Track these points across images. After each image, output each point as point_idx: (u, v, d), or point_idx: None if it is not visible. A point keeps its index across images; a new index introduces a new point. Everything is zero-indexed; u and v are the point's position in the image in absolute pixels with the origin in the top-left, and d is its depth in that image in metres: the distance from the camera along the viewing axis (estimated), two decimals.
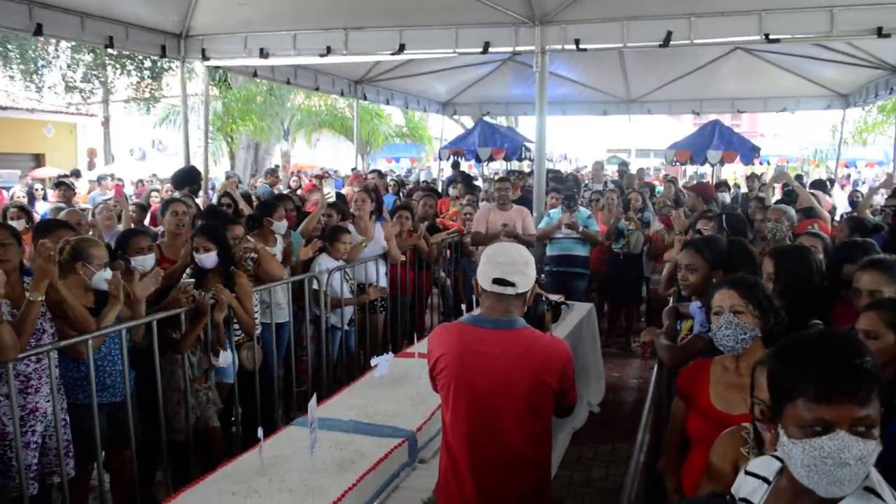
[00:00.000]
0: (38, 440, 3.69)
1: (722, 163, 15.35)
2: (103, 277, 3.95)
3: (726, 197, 9.94)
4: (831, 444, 1.47)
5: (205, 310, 4.34)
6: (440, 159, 17.67)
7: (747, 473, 1.81)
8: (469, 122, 24.16)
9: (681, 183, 15.09)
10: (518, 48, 8.36)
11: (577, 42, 7.85)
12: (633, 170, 16.44)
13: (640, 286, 8.59)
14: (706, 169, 17.77)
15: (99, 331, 3.77)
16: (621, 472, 5.20)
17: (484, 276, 2.64)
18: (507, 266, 2.61)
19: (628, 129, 23.74)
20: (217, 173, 16.26)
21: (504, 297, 2.63)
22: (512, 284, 2.60)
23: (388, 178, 13.80)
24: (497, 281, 2.60)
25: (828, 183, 12.85)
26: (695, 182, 14.47)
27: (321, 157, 28.95)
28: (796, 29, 7.46)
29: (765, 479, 1.75)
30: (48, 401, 3.71)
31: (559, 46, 7.98)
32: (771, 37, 7.30)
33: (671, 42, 7.56)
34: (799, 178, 12.43)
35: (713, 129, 15.00)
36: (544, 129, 8.41)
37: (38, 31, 7.45)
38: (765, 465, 1.79)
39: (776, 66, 12.40)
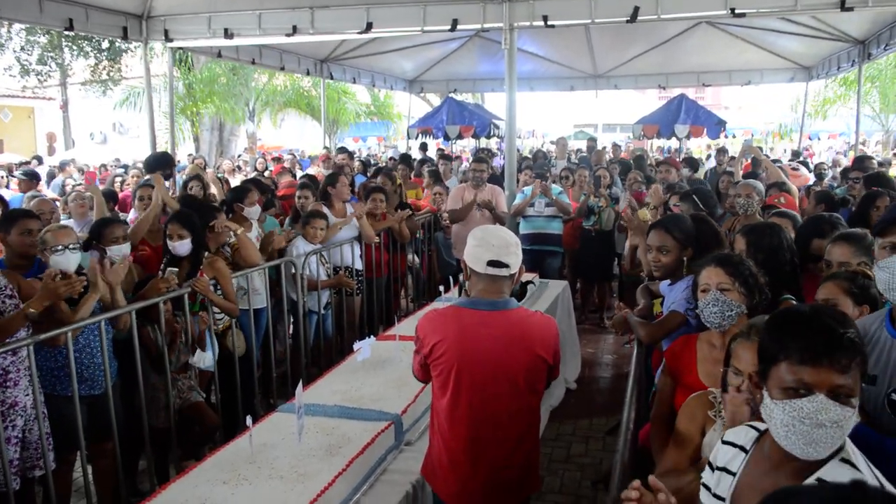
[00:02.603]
0: (19, 434, 3.65)
1: (688, 137, 15.53)
2: (67, 259, 3.89)
3: (685, 172, 10.01)
4: (810, 406, 1.56)
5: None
6: (409, 138, 17.61)
7: (724, 443, 1.87)
8: (436, 100, 24.09)
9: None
10: (486, 25, 8.31)
11: (545, 18, 7.84)
12: (600, 145, 16.53)
13: (612, 262, 8.66)
14: (673, 143, 17.97)
15: (75, 321, 3.71)
16: (600, 447, 5.32)
17: (477, 259, 2.66)
18: (502, 248, 2.65)
19: (595, 104, 23.83)
20: (181, 156, 15.99)
21: (498, 278, 2.67)
22: (506, 266, 2.64)
23: (356, 159, 13.71)
24: (492, 263, 2.63)
25: (804, 157, 13.08)
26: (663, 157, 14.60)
27: (287, 137, 28.65)
28: (762, 3, 7.53)
29: (742, 448, 1.82)
30: (27, 394, 3.67)
31: (527, 23, 7.97)
32: (737, 11, 7.36)
33: (638, 17, 7.59)
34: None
35: (679, 104, 15.16)
36: (514, 106, 8.40)
37: None
38: (742, 434, 1.86)
39: (740, 39, 12.53)
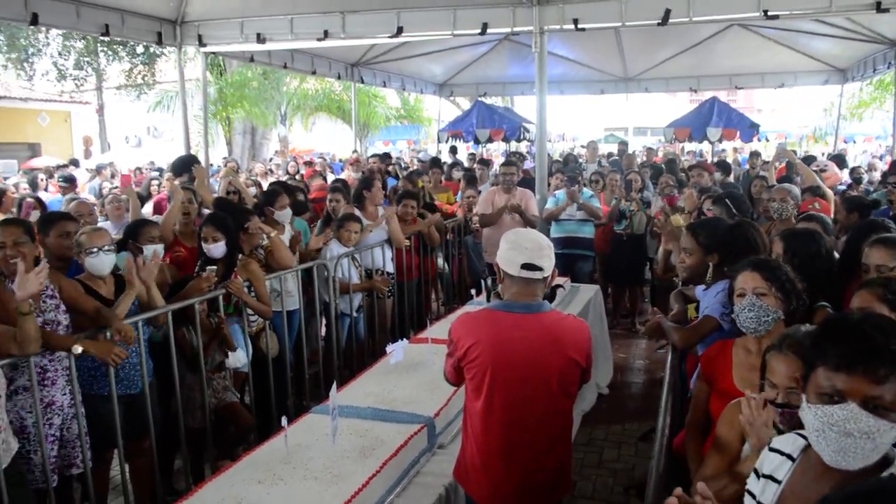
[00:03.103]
0: (56, 433, 3.71)
1: (721, 140, 15.38)
2: (101, 262, 3.96)
3: (717, 175, 9.90)
4: (840, 413, 1.53)
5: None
6: (439, 141, 17.65)
7: (771, 450, 1.84)
8: (465, 103, 24.11)
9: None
10: (516, 28, 8.31)
11: (575, 21, 7.81)
12: (630, 148, 16.41)
13: (644, 267, 8.60)
14: (705, 146, 17.81)
15: (114, 320, 3.75)
16: (632, 453, 5.28)
17: (510, 262, 2.67)
18: (535, 251, 2.66)
19: (625, 107, 23.71)
20: (213, 159, 16.19)
21: (531, 281, 2.67)
22: (540, 269, 2.65)
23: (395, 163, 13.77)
24: (526, 266, 2.64)
25: (843, 157, 12.89)
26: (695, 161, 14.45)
27: (318, 140, 28.82)
28: (795, 5, 7.44)
29: (789, 456, 1.79)
30: (64, 394, 3.73)
31: (557, 26, 7.95)
32: (770, 13, 7.28)
33: (670, 20, 7.53)
34: (811, 158, 12.43)
35: (711, 107, 15.00)
36: (544, 110, 8.37)
37: (34, 20, 7.40)
38: (789, 442, 1.82)
39: (773, 41, 12.38)
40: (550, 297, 4.92)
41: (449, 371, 2.87)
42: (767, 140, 22.39)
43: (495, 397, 2.68)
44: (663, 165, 11.79)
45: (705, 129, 14.64)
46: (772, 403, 2.24)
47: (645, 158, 14.11)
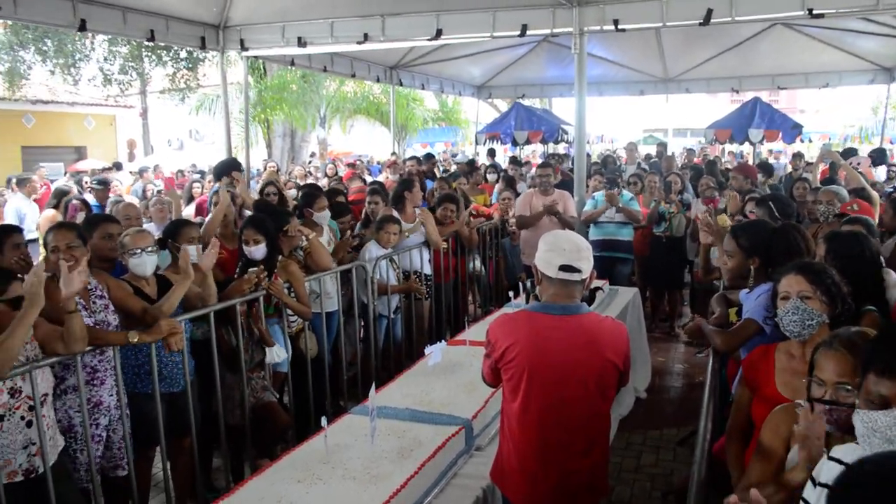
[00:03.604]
0: (102, 433, 3.78)
1: (762, 141, 15.13)
2: (144, 263, 4.05)
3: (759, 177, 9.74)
4: (884, 420, 1.52)
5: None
6: (477, 143, 17.66)
7: (830, 458, 1.81)
8: (503, 105, 24.07)
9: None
10: (556, 30, 8.28)
11: (615, 22, 7.78)
12: (670, 150, 16.23)
13: (683, 270, 8.51)
14: (745, 148, 17.53)
15: (162, 317, 3.81)
16: (671, 458, 5.22)
17: (548, 264, 2.67)
18: (573, 253, 2.66)
19: (665, 108, 23.46)
20: (253, 161, 16.40)
21: (570, 283, 2.67)
22: (578, 271, 2.65)
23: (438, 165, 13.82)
24: (564, 268, 2.64)
25: (883, 153, 12.62)
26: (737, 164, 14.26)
27: (356, 143, 29.02)
28: (841, 3, 7.31)
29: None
30: (111, 394, 3.81)
31: (597, 27, 7.91)
32: (815, 12, 7.16)
33: (712, 19, 7.44)
34: (852, 151, 12.14)
35: (754, 107, 14.76)
36: (584, 111, 8.34)
37: (83, 26, 7.59)
38: (849, 451, 1.78)
39: (817, 40, 12.17)
40: (589, 299, 4.90)
41: (486, 372, 2.88)
42: (811, 141, 21.96)
43: (532, 398, 2.68)
44: (703, 167, 11.66)
45: (747, 130, 14.42)
46: (818, 401, 2.21)
47: (686, 160, 13.95)
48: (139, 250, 4.02)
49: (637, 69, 15.01)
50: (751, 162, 15.53)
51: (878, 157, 11.83)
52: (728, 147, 19.24)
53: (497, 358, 2.73)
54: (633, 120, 26.94)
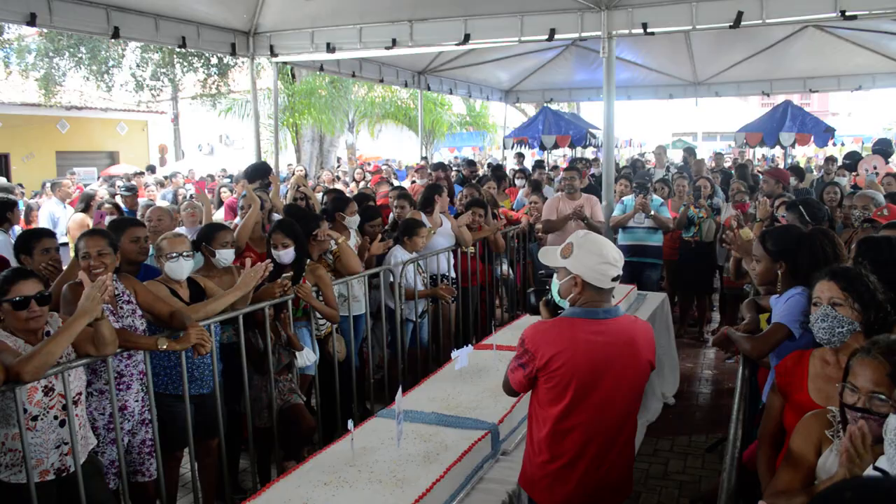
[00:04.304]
0: (125, 438, 3.80)
1: (794, 145, 14.95)
2: (181, 266, 4.10)
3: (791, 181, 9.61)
4: None
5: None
6: (504, 148, 17.65)
7: (875, 469, 1.78)
8: (530, 109, 24.04)
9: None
10: (584, 34, 8.25)
11: (644, 26, 7.73)
12: (699, 154, 16.04)
13: (713, 275, 8.42)
14: (776, 151, 17.30)
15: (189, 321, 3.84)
16: (699, 465, 5.17)
17: (603, 276, 2.67)
18: (619, 261, 2.73)
19: (694, 112, 23.23)
20: (282, 166, 16.54)
21: (609, 289, 2.73)
22: (618, 278, 2.74)
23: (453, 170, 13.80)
24: (615, 278, 2.71)
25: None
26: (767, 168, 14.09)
27: (384, 147, 29.15)
28: (874, 4, 7.18)
29: None
30: (136, 400, 3.84)
31: (626, 31, 7.87)
32: (847, 13, 7.05)
33: (742, 22, 7.37)
34: (855, 154, 11.99)
35: (785, 111, 14.62)
36: (612, 116, 8.28)
37: (116, 34, 7.72)
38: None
39: (850, 42, 12.01)
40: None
41: (519, 381, 2.78)
42: (843, 144, 21.64)
43: (576, 404, 2.67)
44: (732, 171, 11.53)
45: (778, 134, 14.26)
46: (850, 407, 2.17)
47: (714, 164, 13.80)
48: (176, 254, 4.07)
49: (666, 73, 14.93)
50: (781, 166, 15.37)
51: (884, 148, 11.66)
52: (759, 151, 19.03)
53: (539, 367, 2.68)
54: (661, 124, 26.71)
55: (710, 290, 8.60)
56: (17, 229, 7.01)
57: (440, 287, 6.17)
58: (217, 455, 4.26)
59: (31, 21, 6.88)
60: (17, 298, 3.13)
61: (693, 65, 14.25)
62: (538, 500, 2.85)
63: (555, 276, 2.85)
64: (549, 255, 2.85)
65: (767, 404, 2.96)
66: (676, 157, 18.44)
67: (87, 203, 8.22)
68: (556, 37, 8.33)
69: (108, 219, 6.48)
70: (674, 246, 8.11)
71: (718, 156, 15.37)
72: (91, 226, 6.87)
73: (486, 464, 3.29)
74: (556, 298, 2.86)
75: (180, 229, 6.42)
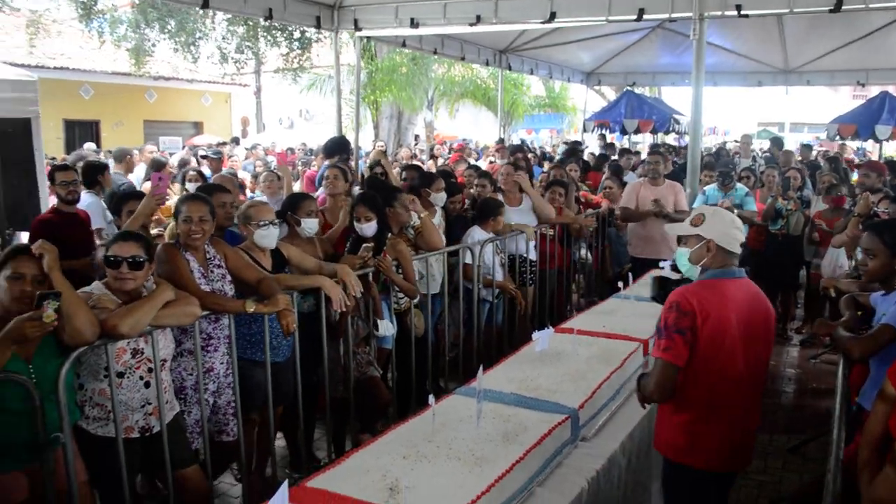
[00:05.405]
0: (210, 399, 3.89)
1: (889, 139, 14.26)
2: (271, 234, 4.14)
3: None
4: None
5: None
6: (585, 131, 17.38)
7: None
8: (610, 93, 23.58)
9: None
10: (674, 14, 7.98)
11: (738, 7, 7.39)
12: (787, 145, 15.47)
13: (799, 270, 8.10)
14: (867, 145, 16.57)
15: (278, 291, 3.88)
16: (780, 466, 5.01)
17: (733, 240, 2.96)
18: (745, 230, 3.14)
19: (782, 101, 22.42)
20: (363, 142, 16.67)
21: (737, 254, 3.01)
22: (744, 245, 3.08)
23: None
24: (742, 244, 3.03)
25: None
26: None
27: (462, 126, 29.10)
28: None
29: None
30: (222, 362, 3.92)
31: (719, 12, 7.56)
32: None
33: (843, 6, 6.99)
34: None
35: (882, 102, 13.93)
36: (700, 101, 7.96)
37: (206, 3, 7.81)
38: None
39: None
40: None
41: (679, 353, 2.81)
42: None
43: (736, 359, 2.87)
44: (822, 163, 11.08)
45: (873, 127, 13.61)
46: None
47: (801, 157, 13.29)
48: (266, 222, 4.12)
49: (756, 59, 14.36)
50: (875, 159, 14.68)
51: None
52: (850, 144, 18.23)
53: (699, 324, 2.80)
54: (747, 112, 25.91)
55: (796, 286, 8.28)
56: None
57: (506, 282, 6.08)
58: (292, 423, 4.32)
59: None
60: (112, 257, 3.23)
61: (785, 51, 13.68)
62: (692, 463, 2.98)
63: (679, 248, 3.08)
64: (676, 228, 3.18)
65: (874, 407, 2.81)
66: (761, 147, 17.86)
67: (156, 168, 8.53)
68: (645, 17, 8.08)
69: (190, 186, 6.60)
70: (760, 238, 7.81)
71: (805, 148, 14.78)
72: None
73: (566, 449, 3.23)
74: (685, 268, 3.07)
75: (260, 199, 6.53)
